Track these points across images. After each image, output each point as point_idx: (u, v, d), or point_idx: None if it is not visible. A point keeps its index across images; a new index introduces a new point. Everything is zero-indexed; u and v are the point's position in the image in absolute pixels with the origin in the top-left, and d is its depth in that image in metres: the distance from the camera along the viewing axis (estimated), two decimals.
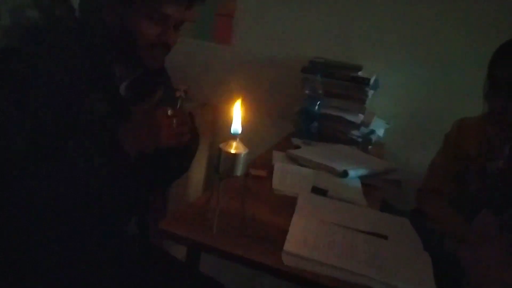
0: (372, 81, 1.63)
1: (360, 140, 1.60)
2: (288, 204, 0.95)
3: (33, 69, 0.77)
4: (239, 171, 0.76)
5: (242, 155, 0.75)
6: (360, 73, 1.66)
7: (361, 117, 1.61)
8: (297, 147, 1.43)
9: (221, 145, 0.75)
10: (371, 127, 1.63)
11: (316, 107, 1.57)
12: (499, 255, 0.93)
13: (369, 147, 1.60)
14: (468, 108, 1.54)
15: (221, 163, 0.75)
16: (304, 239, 0.79)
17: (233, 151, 0.74)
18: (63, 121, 0.77)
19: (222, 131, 2.04)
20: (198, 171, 1.94)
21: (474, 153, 1.16)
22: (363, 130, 1.62)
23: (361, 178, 1.21)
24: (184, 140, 0.84)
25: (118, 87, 0.90)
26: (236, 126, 0.75)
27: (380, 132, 1.70)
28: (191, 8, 0.90)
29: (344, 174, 1.18)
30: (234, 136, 0.76)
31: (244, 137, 0.77)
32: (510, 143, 1.09)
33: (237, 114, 0.75)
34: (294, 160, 1.27)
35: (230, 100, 0.79)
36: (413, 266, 0.79)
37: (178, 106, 0.83)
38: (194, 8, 0.90)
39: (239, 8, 1.99)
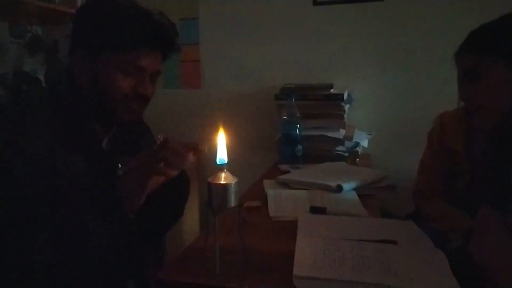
0: (345, 95, 1.66)
1: (346, 154, 1.60)
2: (288, 229, 0.92)
3: (9, 147, 0.73)
4: (232, 202, 0.73)
5: (233, 184, 0.72)
6: (332, 91, 1.69)
7: (342, 132, 1.62)
8: (286, 172, 1.41)
9: (209, 179, 0.72)
10: (355, 140, 1.64)
11: (297, 131, 1.57)
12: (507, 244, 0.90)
13: (357, 159, 1.60)
14: (441, 103, 1.58)
15: (213, 198, 0.72)
16: (312, 260, 0.75)
17: (223, 182, 0.71)
18: (49, 187, 0.74)
19: (208, 170, 2.01)
20: (190, 215, 1.89)
21: (458, 147, 1.15)
22: (348, 144, 1.62)
23: (356, 190, 1.19)
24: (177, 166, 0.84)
25: (100, 143, 0.88)
26: (222, 156, 0.73)
27: (365, 143, 1.70)
28: (166, 60, 0.90)
29: (339, 188, 1.15)
30: (221, 168, 0.73)
31: (231, 172, 0.74)
32: (487, 133, 1.07)
33: (221, 144, 0.73)
34: (286, 185, 1.25)
35: (210, 139, 0.78)
36: (429, 266, 0.76)
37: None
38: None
39: (203, 52, 2.03)
